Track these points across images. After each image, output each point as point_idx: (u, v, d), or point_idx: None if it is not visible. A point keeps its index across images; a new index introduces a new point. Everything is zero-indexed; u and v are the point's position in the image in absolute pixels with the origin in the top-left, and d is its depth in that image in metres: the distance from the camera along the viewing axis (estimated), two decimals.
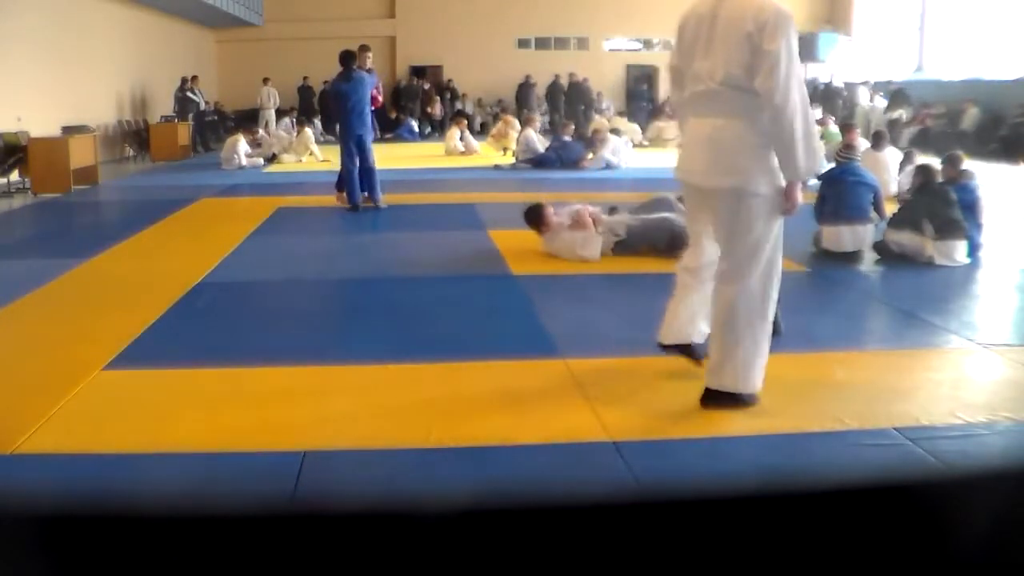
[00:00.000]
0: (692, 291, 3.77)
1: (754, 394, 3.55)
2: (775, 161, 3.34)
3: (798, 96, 3.24)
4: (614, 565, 0.56)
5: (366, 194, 9.50)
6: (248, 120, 18.75)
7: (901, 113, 17.93)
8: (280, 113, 19.84)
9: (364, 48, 9.59)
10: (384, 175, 10.14)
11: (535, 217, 6.81)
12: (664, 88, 21.63)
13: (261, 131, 16.85)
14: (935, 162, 7.49)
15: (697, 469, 3.08)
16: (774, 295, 3.48)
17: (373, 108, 9.58)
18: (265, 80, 19.95)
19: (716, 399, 3.52)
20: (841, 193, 6.59)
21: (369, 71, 9.57)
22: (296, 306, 5.74)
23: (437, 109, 22.69)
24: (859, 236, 6.54)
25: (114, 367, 4.19)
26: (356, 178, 9.39)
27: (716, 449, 3.29)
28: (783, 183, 3.37)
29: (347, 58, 9.32)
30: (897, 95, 18.54)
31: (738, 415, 3.54)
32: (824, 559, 0.58)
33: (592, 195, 8.91)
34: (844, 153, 7.21)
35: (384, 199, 9.58)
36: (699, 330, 3.81)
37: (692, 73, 3.42)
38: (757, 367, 3.50)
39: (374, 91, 9.51)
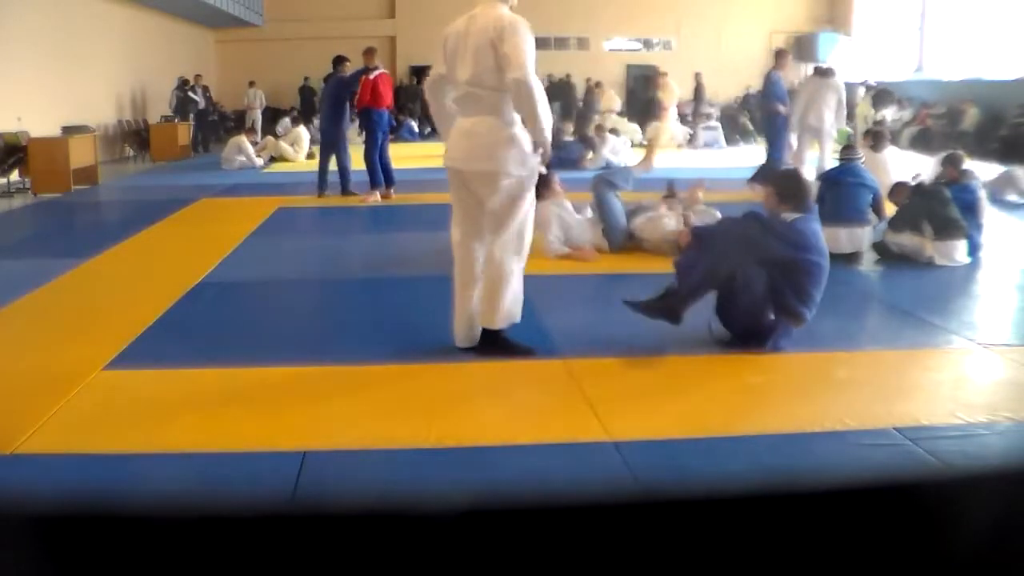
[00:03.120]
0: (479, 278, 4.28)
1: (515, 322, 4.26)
2: (527, 148, 4.09)
3: (535, 80, 3.98)
4: (614, 565, 0.56)
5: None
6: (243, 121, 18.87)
7: (884, 114, 17.89)
8: (278, 113, 19.91)
9: (366, 51, 10.00)
10: None
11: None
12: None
13: (256, 133, 16.96)
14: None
15: (697, 469, 3.07)
16: (526, 249, 4.26)
17: (368, 106, 9.79)
18: (251, 83, 20.11)
19: (493, 340, 4.25)
20: (840, 195, 6.56)
21: (371, 70, 9.84)
22: (296, 306, 5.75)
23: None
24: (856, 238, 6.52)
25: (114, 367, 4.19)
26: (324, 170, 10.29)
27: (716, 449, 3.29)
28: (536, 166, 4.15)
29: (334, 62, 10.12)
30: (880, 95, 18.51)
31: (738, 415, 3.54)
32: (824, 559, 0.58)
33: (592, 195, 8.86)
34: (845, 154, 7.16)
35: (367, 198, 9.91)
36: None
37: (454, 80, 4.15)
38: (519, 304, 4.29)
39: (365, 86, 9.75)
